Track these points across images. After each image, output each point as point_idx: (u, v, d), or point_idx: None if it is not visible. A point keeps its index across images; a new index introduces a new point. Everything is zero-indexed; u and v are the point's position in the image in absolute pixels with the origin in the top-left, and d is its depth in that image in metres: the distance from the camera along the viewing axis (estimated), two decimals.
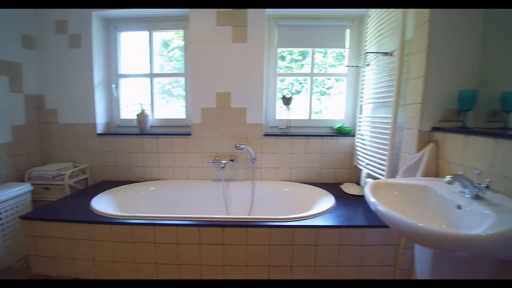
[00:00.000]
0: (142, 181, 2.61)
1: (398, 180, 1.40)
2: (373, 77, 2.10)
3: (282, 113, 2.68)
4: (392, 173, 1.78)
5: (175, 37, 2.76)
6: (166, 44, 2.78)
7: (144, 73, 2.73)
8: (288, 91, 2.70)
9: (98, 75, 2.60)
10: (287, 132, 2.61)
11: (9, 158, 2.36)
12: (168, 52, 2.81)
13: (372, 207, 1.13)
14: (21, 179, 2.43)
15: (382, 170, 1.86)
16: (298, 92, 2.73)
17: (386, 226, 1.64)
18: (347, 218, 1.77)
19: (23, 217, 1.75)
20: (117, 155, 2.64)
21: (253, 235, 1.65)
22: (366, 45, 2.24)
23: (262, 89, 2.46)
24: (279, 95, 2.65)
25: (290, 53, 2.72)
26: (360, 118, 2.36)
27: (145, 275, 1.74)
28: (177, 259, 1.70)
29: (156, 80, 2.74)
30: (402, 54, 1.69)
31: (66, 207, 1.94)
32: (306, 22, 2.50)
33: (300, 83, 2.74)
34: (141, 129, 2.61)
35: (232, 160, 2.51)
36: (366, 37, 2.24)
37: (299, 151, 2.54)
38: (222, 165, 2.43)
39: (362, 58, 2.19)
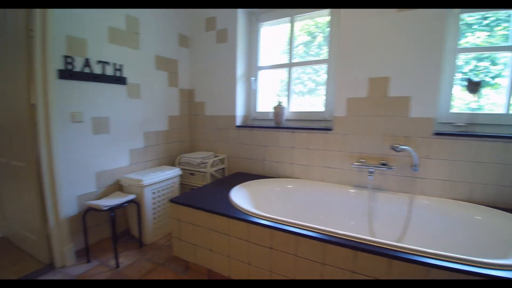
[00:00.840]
0: (275, 176, 2.44)
1: None
2: None
3: (458, 105, 1.93)
4: None
5: (300, 34, 2.49)
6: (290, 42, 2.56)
7: (283, 63, 2.54)
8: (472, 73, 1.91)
9: (240, 69, 2.61)
10: (471, 132, 1.84)
11: (165, 144, 2.66)
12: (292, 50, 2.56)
13: None
14: (171, 164, 2.71)
15: None
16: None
17: None
18: None
19: (172, 200, 1.83)
20: (253, 148, 2.58)
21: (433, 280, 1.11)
22: None
23: (439, 70, 1.80)
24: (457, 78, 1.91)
25: None
26: None
27: None
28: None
29: (283, 75, 2.51)
30: None
31: (208, 195, 1.94)
32: None
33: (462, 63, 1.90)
34: (276, 122, 2.44)
35: (384, 164, 1.98)
36: None
37: (491, 160, 1.73)
38: (371, 169, 1.94)
39: None
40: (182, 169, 2.54)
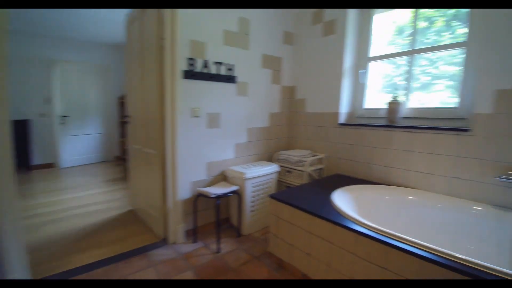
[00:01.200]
0: (383, 183, 2.13)
1: None
2: None
3: None
4: None
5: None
6: (400, 30, 2.21)
7: (404, 51, 2.16)
8: None
9: (347, 61, 2.40)
10: None
11: (265, 140, 2.72)
12: (403, 39, 2.19)
13: None
14: (269, 159, 2.74)
15: None
16: None
17: None
18: None
19: (272, 196, 1.82)
20: (357, 149, 2.33)
21: None
22: None
23: None
24: None
25: None
26: None
27: None
28: None
29: (389, 69, 2.12)
30: None
31: (306, 195, 1.85)
32: None
33: None
34: (390, 120, 2.12)
35: None
36: None
37: None
38: None
39: None
40: (279, 165, 2.54)
